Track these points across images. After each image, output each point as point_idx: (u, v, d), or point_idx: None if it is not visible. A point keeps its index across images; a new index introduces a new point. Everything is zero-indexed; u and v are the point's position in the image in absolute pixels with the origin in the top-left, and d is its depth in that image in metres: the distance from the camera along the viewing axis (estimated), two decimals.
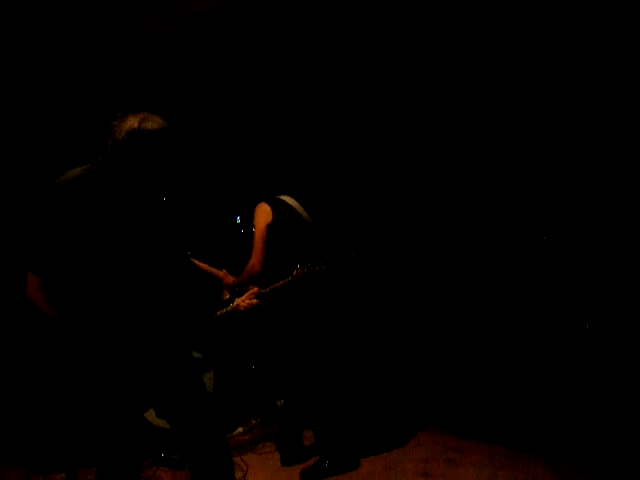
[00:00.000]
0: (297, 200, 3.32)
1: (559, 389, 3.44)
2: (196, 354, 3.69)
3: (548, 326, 3.57)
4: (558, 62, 3.49)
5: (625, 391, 3.22)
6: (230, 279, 3.22)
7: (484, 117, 3.84)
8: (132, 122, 1.85)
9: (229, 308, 2.74)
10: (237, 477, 2.79)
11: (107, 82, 3.75)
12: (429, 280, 4.16)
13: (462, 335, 3.92)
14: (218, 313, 2.81)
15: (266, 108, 4.37)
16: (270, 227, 3.11)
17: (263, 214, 3.14)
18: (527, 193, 3.73)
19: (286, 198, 3.29)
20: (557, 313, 3.55)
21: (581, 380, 3.37)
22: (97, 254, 1.81)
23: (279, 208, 3.20)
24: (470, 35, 3.65)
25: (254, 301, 2.69)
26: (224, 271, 3.29)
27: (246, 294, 2.72)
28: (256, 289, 2.77)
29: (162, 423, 3.30)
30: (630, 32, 3.18)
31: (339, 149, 4.39)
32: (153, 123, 1.86)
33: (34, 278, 1.84)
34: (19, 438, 3.50)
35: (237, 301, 2.71)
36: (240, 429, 3.89)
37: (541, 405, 3.45)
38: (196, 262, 3.38)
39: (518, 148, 3.73)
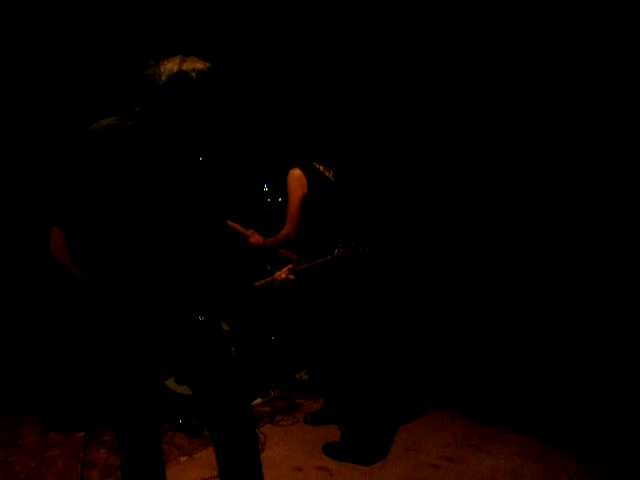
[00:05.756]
0: (328, 166, 3.18)
1: (595, 382, 3.29)
2: (224, 326, 3.61)
3: (586, 316, 3.40)
4: (558, 62, 3.38)
5: None
6: (260, 239, 3.14)
7: (490, 114, 3.73)
8: (170, 65, 1.67)
9: (268, 280, 2.64)
10: None
11: (140, 30, 3.60)
12: (453, 264, 4.02)
13: (497, 320, 3.77)
14: (256, 284, 2.72)
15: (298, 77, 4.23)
16: (305, 196, 3.00)
17: (299, 183, 3.02)
18: (531, 189, 3.62)
19: (318, 164, 3.16)
20: (596, 300, 3.38)
21: (619, 377, 3.21)
22: (127, 210, 1.67)
23: (313, 177, 3.07)
24: (470, 35, 3.60)
25: (290, 276, 2.60)
26: (251, 231, 3.20)
27: (284, 269, 2.63)
28: (291, 265, 2.68)
29: (181, 389, 3.24)
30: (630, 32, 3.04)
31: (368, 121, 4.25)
32: (195, 62, 1.69)
33: (59, 232, 1.70)
34: (37, 393, 3.46)
35: (276, 274, 2.61)
36: (259, 400, 3.82)
37: (576, 398, 3.31)
38: None
39: (523, 145, 3.62)
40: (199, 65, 1.69)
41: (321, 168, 3.16)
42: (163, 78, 1.67)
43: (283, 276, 2.58)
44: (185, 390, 3.20)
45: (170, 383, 3.23)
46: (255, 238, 3.21)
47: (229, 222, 3.30)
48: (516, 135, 3.68)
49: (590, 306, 3.38)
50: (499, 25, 3.52)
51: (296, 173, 3.05)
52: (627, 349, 3.22)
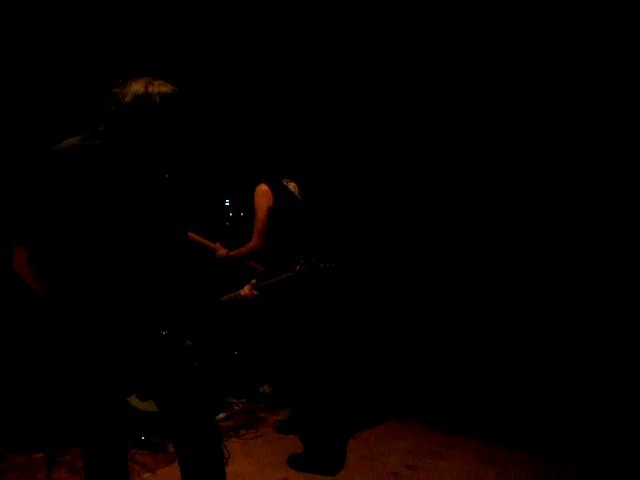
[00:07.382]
0: (297, 183, 3.26)
1: (550, 386, 3.43)
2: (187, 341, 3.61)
3: (545, 322, 3.54)
4: (558, 62, 3.46)
5: (618, 390, 3.23)
6: (224, 251, 3.24)
7: (485, 116, 3.80)
8: (137, 87, 1.70)
9: (232, 295, 2.68)
10: None
11: (107, 46, 3.58)
12: (420, 275, 4.12)
13: (453, 331, 3.89)
14: (220, 299, 2.75)
15: (271, 92, 4.27)
16: (271, 210, 3.08)
17: (265, 197, 3.11)
18: (528, 193, 3.70)
19: (286, 182, 3.24)
20: (558, 308, 3.52)
21: (571, 378, 3.36)
22: (92, 229, 1.70)
23: (279, 192, 3.15)
24: (470, 35, 3.64)
25: (254, 292, 2.65)
26: (218, 243, 3.27)
27: (247, 285, 2.67)
28: (254, 280, 2.73)
29: (143, 405, 3.22)
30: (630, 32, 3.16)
31: (342, 138, 4.31)
32: (161, 86, 1.72)
33: (22, 251, 1.72)
34: None
35: (240, 290, 2.65)
36: (222, 414, 3.82)
37: (530, 402, 3.44)
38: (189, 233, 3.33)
39: (520, 147, 3.69)
40: (165, 89, 1.72)
41: (288, 185, 3.25)
42: (127, 99, 1.69)
43: (247, 291, 2.63)
44: (147, 407, 3.19)
45: (132, 400, 3.21)
46: (221, 251, 3.27)
47: (196, 236, 3.35)
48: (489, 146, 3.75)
49: (544, 314, 3.52)
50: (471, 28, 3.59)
51: (263, 188, 3.15)
52: (582, 354, 3.37)
